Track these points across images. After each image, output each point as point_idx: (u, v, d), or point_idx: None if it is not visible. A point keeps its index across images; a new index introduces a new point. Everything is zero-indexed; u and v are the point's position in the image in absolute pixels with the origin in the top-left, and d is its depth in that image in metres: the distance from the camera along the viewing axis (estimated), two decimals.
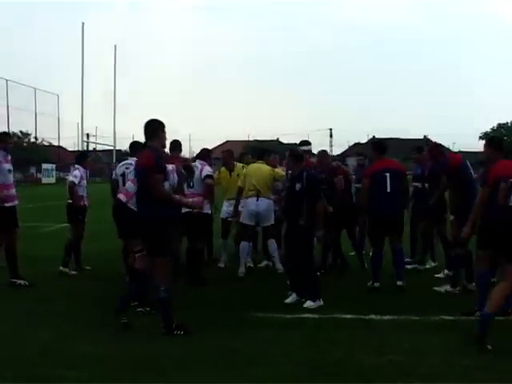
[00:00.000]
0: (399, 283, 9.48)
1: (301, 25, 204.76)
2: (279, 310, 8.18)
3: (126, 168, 9.26)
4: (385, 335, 7.16)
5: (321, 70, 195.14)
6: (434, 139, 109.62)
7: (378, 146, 10.08)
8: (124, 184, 9.13)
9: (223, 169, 12.24)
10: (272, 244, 11.05)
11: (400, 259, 9.71)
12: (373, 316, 7.94)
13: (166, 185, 7.36)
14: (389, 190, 9.46)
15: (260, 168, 11.09)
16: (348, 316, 7.98)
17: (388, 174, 9.51)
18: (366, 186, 9.64)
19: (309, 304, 8.43)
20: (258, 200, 10.75)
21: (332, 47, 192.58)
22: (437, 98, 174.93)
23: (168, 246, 7.25)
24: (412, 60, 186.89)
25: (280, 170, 11.17)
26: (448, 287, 9.31)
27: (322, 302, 8.45)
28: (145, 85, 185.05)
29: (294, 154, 9.15)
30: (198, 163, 10.36)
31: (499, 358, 6.30)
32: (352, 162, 15.13)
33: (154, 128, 7.25)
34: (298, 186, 8.70)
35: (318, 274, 9.21)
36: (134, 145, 9.57)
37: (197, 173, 10.10)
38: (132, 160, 8.89)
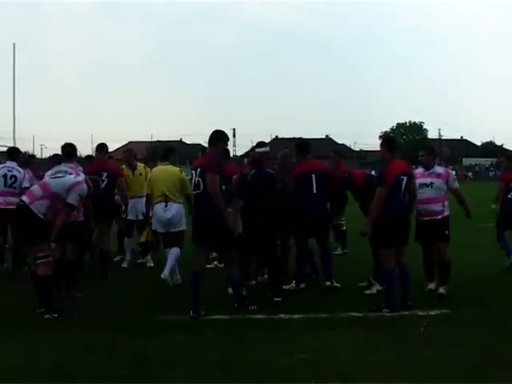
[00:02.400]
0: (327, 283, 9.53)
1: (201, 24, 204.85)
2: (188, 312, 8.03)
3: (9, 171, 10.54)
4: (295, 334, 7.17)
5: (223, 70, 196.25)
6: (335, 139, 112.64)
7: (302, 147, 10.13)
8: (5, 185, 10.48)
9: (125, 168, 12.06)
10: (173, 252, 9.84)
11: (328, 259, 9.72)
12: (282, 315, 7.95)
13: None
14: (315, 192, 9.54)
15: (166, 170, 10.35)
16: (259, 316, 7.96)
17: (314, 176, 9.57)
18: (291, 187, 9.57)
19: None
20: (166, 206, 9.98)
21: (233, 46, 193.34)
22: (340, 97, 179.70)
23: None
24: (314, 60, 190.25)
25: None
26: (378, 286, 9.31)
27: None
28: (44, 85, 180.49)
29: (252, 158, 9.46)
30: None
31: (409, 352, 6.42)
32: None
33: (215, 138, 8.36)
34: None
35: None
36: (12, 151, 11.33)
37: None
38: (12, 163, 10.71)
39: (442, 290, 9.02)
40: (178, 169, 10.48)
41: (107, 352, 6.52)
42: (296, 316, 7.95)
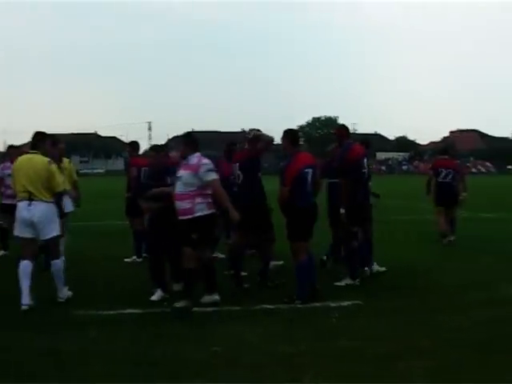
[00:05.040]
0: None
1: (121, 17, 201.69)
2: (102, 308, 7.98)
3: None
4: (209, 327, 7.19)
5: (139, 64, 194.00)
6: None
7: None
8: None
9: None
10: (55, 269, 8.48)
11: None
12: (196, 309, 7.94)
13: None
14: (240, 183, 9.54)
15: (30, 160, 8.39)
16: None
17: (237, 165, 9.57)
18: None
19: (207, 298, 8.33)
20: (30, 205, 8.17)
21: (150, 40, 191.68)
22: (255, 90, 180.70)
23: None
24: (231, 55, 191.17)
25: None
26: (348, 280, 9.45)
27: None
28: None
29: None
30: None
31: (320, 343, 6.54)
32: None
33: None
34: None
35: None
36: None
37: None
38: None
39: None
40: (45, 160, 8.40)
41: (20, 349, 6.38)
42: (209, 309, 7.97)
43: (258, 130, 9.54)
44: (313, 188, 8.53)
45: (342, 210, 9.36)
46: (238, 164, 9.51)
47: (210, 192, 8.10)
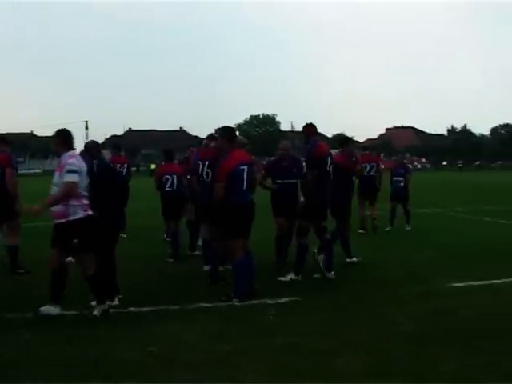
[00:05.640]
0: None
1: (54, 15, 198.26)
2: (33, 311, 7.69)
3: None
4: (145, 327, 7.09)
5: (76, 62, 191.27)
6: (189, 131, 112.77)
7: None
8: None
9: None
10: None
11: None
12: (132, 309, 7.84)
13: None
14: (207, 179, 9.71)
15: None
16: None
17: (206, 163, 9.73)
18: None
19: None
20: None
21: (86, 39, 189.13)
22: (193, 89, 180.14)
23: None
24: (170, 53, 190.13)
25: None
26: (292, 275, 9.56)
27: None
28: None
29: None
30: None
31: (258, 341, 6.53)
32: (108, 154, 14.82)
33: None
34: None
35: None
36: None
37: None
38: None
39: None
40: None
41: None
42: (145, 309, 7.86)
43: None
44: (248, 186, 8.53)
45: (301, 198, 9.76)
46: (207, 162, 9.68)
47: (85, 194, 7.54)
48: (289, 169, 10.63)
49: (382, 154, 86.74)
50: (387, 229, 16.20)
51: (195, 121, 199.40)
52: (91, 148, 8.61)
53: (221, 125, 9.03)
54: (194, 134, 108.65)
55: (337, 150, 11.54)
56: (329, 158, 9.80)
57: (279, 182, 10.63)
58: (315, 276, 9.72)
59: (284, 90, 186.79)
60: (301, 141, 10.71)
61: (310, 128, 9.97)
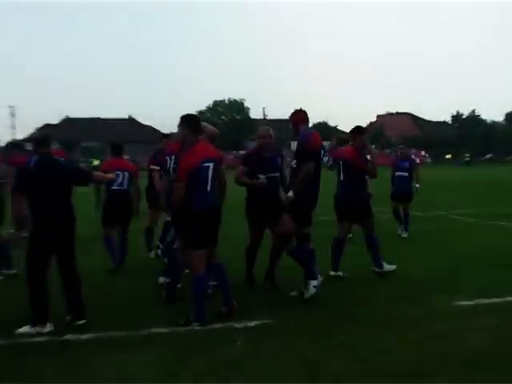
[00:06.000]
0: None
1: None
2: None
3: None
4: (84, 358, 7.03)
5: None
6: (141, 120, 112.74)
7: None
8: None
9: None
10: None
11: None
12: (69, 336, 7.80)
13: None
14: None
15: None
16: (41, 339, 7.77)
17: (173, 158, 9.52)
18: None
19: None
20: None
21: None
22: (143, 75, 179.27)
23: None
24: (112, 41, 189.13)
25: None
26: (314, 282, 9.51)
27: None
28: None
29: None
30: None
31: (223, 373, 6.53)
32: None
33: None
34: None
35: None
36: None
37: None
38: None
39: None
40: None
41: None
42: (85, 336, 7.81)
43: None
44: (213, 187, 8.44)
45: (291, 193, 9.42)
46: (173, 157, 9.34)
47: None
48: (272, 160, 10.54)
49: (373, 146, 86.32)
50: (404, 235, 16.37)
51: (147, 108, 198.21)
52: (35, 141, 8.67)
53: (178, 113, 8.88)
54: (146, 123, 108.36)
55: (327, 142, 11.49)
56: (322, 152, 9.78)
57: (261, 176, 10.37)
58: (292, 294, 9.73)
59: (253, 73, 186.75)
60: (278, 131, 10.63)
61: (299, 115, 9.88)
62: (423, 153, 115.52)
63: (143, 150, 61.94)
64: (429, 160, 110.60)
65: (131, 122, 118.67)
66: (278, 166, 10.54)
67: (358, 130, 11.40)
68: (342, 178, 11.34)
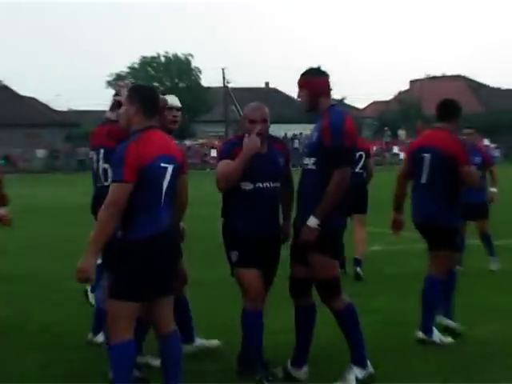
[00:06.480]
0: None
1: None
2: None
3: None
4: None
5: None
6: (12, 87, 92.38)
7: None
8: None
9: None
10: None
11: None
12: None
13: None
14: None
15: None
16: None
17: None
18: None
19: None
20: None
21: None
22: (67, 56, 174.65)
23: None
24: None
25: None
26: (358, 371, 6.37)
27: None
28: None
29: None
30: None
31: None
32: None
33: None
34: None
35: None
36: None
37: None
38: None
39: None
40: None
41: None
42: None
43: None
44: (170, 202, 5.45)
45: (315, 221, 5.92)
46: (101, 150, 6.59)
47: None
48: (271, 160, 6.43)
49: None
50: (495, 266, 11.14)
51: (25, 72, 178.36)
52: None
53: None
54: (21, 92, 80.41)
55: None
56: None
57: (251, 186, 6.29)
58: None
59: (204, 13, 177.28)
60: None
61: (321, 81, 6.15)
62: (486, 142, 60.81)
63: None
64: (497, 154, 59.88)
65: (4, 89, 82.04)
66: (280, 171, 6.49)
67: (456, 108, 7.54)
68: (424, 181, 7.33)
